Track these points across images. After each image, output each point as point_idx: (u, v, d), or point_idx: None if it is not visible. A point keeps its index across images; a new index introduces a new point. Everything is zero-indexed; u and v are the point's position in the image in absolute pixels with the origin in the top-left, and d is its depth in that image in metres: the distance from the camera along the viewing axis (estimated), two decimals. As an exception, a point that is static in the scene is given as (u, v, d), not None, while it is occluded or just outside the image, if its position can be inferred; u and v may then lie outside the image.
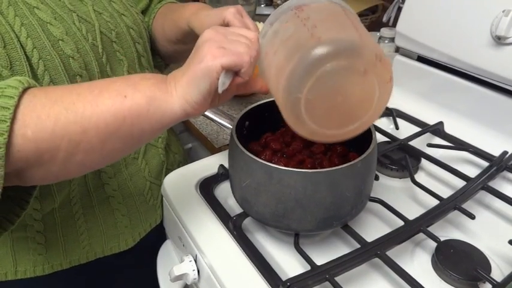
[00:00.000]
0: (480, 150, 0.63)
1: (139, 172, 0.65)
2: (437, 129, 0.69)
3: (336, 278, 0.43)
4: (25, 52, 0.48)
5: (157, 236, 0.67)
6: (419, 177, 0.62)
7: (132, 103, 0.38)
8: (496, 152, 0.61)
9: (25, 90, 0.37)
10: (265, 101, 0.55)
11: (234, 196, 0.52)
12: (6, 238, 0.58)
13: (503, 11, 0.59)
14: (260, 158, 0.47)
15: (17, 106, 0.35)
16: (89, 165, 0.42)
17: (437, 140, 0.68)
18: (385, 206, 0.53)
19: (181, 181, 0.61)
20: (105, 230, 0.63)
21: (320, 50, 0.36)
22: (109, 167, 0.61)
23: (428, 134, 0.69)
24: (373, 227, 0.53)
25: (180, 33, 0.64)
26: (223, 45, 0.39)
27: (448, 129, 0.70)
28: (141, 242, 0.66)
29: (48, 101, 0.36)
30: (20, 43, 0.48)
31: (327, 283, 0.43)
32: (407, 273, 0.43)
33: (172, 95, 0.39)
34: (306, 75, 0.37)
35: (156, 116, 0.39)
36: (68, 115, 0.36)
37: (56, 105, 0.36)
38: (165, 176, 0.68)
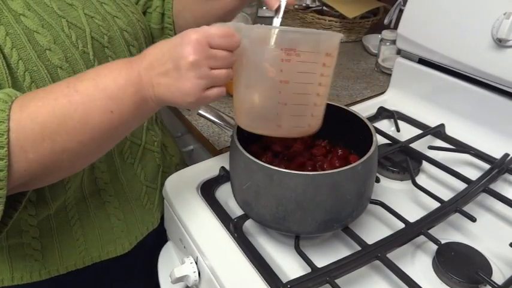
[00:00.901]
0: (481, 152, 0.63)
1: (135, 177, 0.64)
2: (439, 132, 0.69)
3: (337, 281, 0.43)
4: (10, 64, 0.46)
5: (155, 240, 0.67)
6: (421, 179, 0.62)
7: (120, 116, 0.42)
8: (497, 155, 0.61)
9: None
10: (266, 103, 0.55)
11: (235, 198, 0.52)
12: (2, 245, 0.58)
13: (504, 14, 0.59)
14: (261, 160, 0.47)
15: (8, 130, 0.38)
16: (94, 159, 0.48)
17: (439, 142, 0.68)
18: (386, 209, 0.53)
19: (182, 183, 0.61)
20: (101, 235, 0.62)
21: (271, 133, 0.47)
22: (105, 173, 0.60)
23: (429, 136, 0.69)
24: (374, 229, 0.53)
25: None
26: (205, 74, 0.41)
27: (450, 131, 0.70)
28: (138, 245, 0.66)
29: (37, 126, 0.39)
30: (3, 55, 0.45)
31: (328, 285, 0.43)
32: (408, 275, 0.43)
33: (152, 99, 0.43)
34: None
35: (140, 116, 0.45)
36: (62, 136, 0.40)
37: (46, 129, 0.39)
38: (161, 179, 0.68)
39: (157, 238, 0.66)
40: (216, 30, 0.41)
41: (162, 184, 0.66)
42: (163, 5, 0.70)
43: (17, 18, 0.47)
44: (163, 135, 0.73)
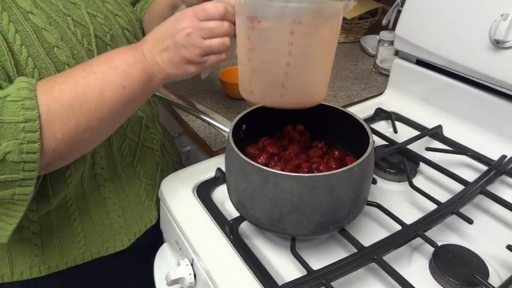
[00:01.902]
0: (479, 154, 0.63)
1: (134, 174, 0.66)
2: (436, 133, 0.69)
3: (332, 283, 0.43)
4: (20, 61, 0.47)
5: (153, 237, 0.67)
6: (418, 181, 0.62)
7: (131, 91, 0.47)
8: (494, 156, 0.61)
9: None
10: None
11: (231, 200, 0.52)
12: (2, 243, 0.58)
13: (501, 15, 0.59)
14: (257, 161, 0.47)
15: (39, 116, 0.41)
16: (105, 137, 0.52)
17: (436, 144, 0.68)
18: (382, 210, 0.52)
19: (178, 184, 0.61)
20: (100, 231, 0.63)
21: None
22: (105, 170, 0.61)
23: (426, 138, 0.69)
24: (370, 231, 0.53)
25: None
26: (200, 43, 0.46)
27: (447, 132, 0.69)
28: (136, 242, 0.67)
29: (63, 107, 0.43)
30: (12, 52, 0.46)
31: (323, 288, 0.43)
32: (404, 278, 0.43)
33: (157, 75, 0.49)
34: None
35: (147, 91, 0.50)
36: (85, 114, 0.44)
37: (70, 109, 0.43)
38: (160, 177, 0.69)
39: (156, 235, 0.67)
40: (205, 5, 0.46)
41: (161, 182, 0.66)
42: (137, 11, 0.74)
43: (25, 16, 0.49)
44: (162, 133, 0.73)
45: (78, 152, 0.49)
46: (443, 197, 0.54)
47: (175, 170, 0.75)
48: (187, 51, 0.46)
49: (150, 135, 0.68)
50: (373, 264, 0.45)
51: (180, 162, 0.81)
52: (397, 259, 0.48)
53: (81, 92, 0.44)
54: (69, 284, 0.64)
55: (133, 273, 0.70)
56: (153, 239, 0.67)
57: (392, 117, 0.74)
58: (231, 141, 0.47)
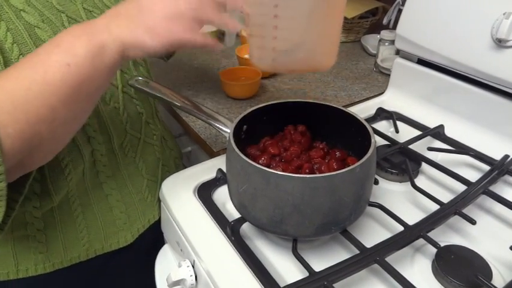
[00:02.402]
0: (481, 153, 0.62)
1: (136, 171, 0.66)
2: (438, 133, 0.69)
3: (334, 285, 0.42)
4: (11, 59, 0.46)
5: (156, 233, 0.68)
6: (420, 181, 0.62)
7: (78, 68, 0.39)
8: (497, 156, 0.61)
9: None
10: (264, 104, 0.55)
11: (232, 201, 0.51)
12: (7, 237, 0.59)
13: (503, 14, 0.59)
14: (258, 162, 0.47)
15: None
16: (75, 125, 0.45)
17: (438, 144, 0.68)
18: (384, 211, 0.52)
19: (179, 185, 0.61)
20: (104, 227, 0.63)
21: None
22: (106, 167, 0.61)
23: (428, 138, 0.68)
24: (373, 232, 0.53)
25: None
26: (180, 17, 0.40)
27: (449, 132, 0.69)
28: (140, 238, 0.67)
29: (6, 96, 0.37)
30: (2, 50, 0.45)
31: (325, 290, 0.42)
32: (406, 279, 0.43)
33: (109, 46, 0.40)
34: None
35: (100, 68, 0.41)
36: (32, 102, 0.38)
37: (15, 97, 0.37)
38: (161, 172, 0.70)
39: (159, 231, 0.67)
40: None
41: (162, 177, 0.67)
42: None
43: (17, 14, 0.48)
44: (163, 128, 0.73)
45: (46, 146, 0.42)
46: (445, 197, 0.54)
47: (176, 165, 0.77)
48: (149, 25, 0.40)
49: (151, 131, 0.68)
50: (376, 266, 0.45)
51: (181, 157, 0.82)
52: (400, 260, 0.48)
53: (23, 77, 0.38)
54: (73, 281, 0.64)
55: (136, 269, 0.70)
56: (156, 235, 0.68)
57: (393, 117, 0.74)
58: (232, 142, 0.47)
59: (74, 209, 0.60)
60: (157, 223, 0.68)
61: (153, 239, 0.68)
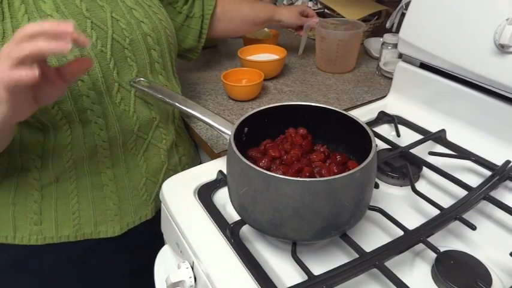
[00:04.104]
0: (482, 159, 0.62)
1: (136, 168, 0.69)
2: (439, 137, 0.69)
3: (333, 289, 0.42)
4: None
5: (150, 232, 0.70)
6: (421, 185, 0.61)
7: None
8: (498, 161, 0.60)
9: None
10: (265, 107, 0.55)
11: (232, 203, 0.51)
12: (9, 204, 0.64)
13: (506, 20, 0.59)
14: (258, 165, 0.47)
15: None
16: None
17: (439, 148, 0.68)
18: (384, 215, 0.52)
19: (179, 187, 0.61)
20: (95, 214, 0.67)
21: None
22: (107, 159, 0.65)
23: (430, 142, 0.68)
24: (372, 236, 0.53)
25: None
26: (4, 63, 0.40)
27: (450, 137, 0.69)
28: (130, 233, 0.70)
29: None
30: None
31: (324, 294, 0.42)
32: (406, 284, 0.42)
33: None
34: None
35: None
36: None
37: None
38: (165, 176, 0.72)
39: (154, 231, 0.69)
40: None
41: (164, 180, 0.67)
42: (203, 11, 0.85)
43: (44, 19, 0.53)
44: (177, 135, 0.76)
45: None
46: (446, 202, 0.53)
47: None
48: None
49: (161, 135, 0.71)
50: (375, 270, 0.45)
51: (194, 164, 0.82)
52: (399, 265, 0.48)
53: None
54: (62, 257, 0.68)
55: (125, 262, 0.73)
56: (149, 234, 0.69)
57: (395, 120, 0.74)
58: (233, 145, 0.47)
59: (70, 190, 0.65)
60: (151, 223, 0.70)
61: (145, 237, 0.70)
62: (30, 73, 0.39)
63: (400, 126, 0.73)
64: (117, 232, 0.69)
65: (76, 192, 0.65)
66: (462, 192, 0.55)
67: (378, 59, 1.02)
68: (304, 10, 1.00)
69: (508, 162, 0.60)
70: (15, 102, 0.43)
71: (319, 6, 1.23)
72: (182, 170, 0.75)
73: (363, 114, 0.76)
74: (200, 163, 0.80)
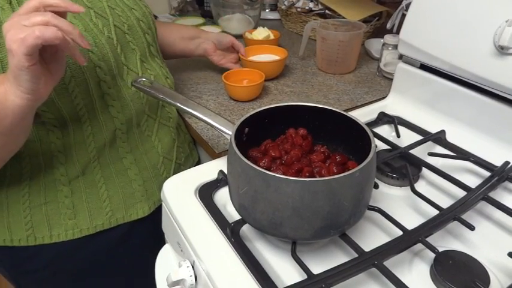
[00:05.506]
0: (482, 159, 0.63)
1: (152, 148, 0.74)
2: (439, 138, 0.69)
3: (332, 288, 0.43)
4: None
5: None
6: (420, 186, 0.62)
7: None
8: (497, 162, 0.61)
9: None
10: (266, 107, 0.55)
11: (232, 203, 0.52)
12: (41, 205, 0.66)
13: (506, 21, 0.59)
14: (259, 165, 0.47)
15: None
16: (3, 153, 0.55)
17: (439, 149, 0.68)
18: (384, 215, 0.52)
19: (180, 186, 0.61)
20: (124, 198, 0.71)
21: None
22: (126, 143, 0.69)
23: (429, 143, 0.69)
24: (371, 236, 0.53)
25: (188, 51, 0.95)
26: (20, 29, 0.42)
27: (450, 138, 0.69)
28: (156, 211, 0.74)
29: None
30: None
31: (323, 292, 0.43)
32: (404, 284, 0.43)
33: (7, 91, 0.47)
34: None
35: (6, 110, 0.47)
36: None
37: None
38: (176, 153, 0.78)
39: None
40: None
41: (177, 157, 0.78)
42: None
43: None
44: (178, 115, 0.81)
45: None
46: (445, 202, 0.54)
47: (190, 148, 0.85)
48: (11, 54, 0.43)
49: (167, 114, 0.76)
50: (374, 270, 0.45)
51: (194, 143, 0.88)
52: (398, 264, 0.48)
53: None
54: (98, 248, 0.71)
55: (153, 239, 0.74)
56: None
57: (395, 121, 0.74)
58: (234, 144, 0.47)
59: (97, 180, 0.68)
60: None
61: None
62: (53, 30, 0.42)
63: (400, 127, 0.73)
64: (146, 212, 0.73)
65: (103, 181, 0.68)
66: (461, 193, 0.56)
67: (378, 60, 1.02)
68: (233, 42, 0.97)
69: (507, 163, 0.60)
70: (36, 70, 0.45)
71: (320, 6, 1.24)
72: (189, 148, 0.84)
73: (363, 115, 0.77)
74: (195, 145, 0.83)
